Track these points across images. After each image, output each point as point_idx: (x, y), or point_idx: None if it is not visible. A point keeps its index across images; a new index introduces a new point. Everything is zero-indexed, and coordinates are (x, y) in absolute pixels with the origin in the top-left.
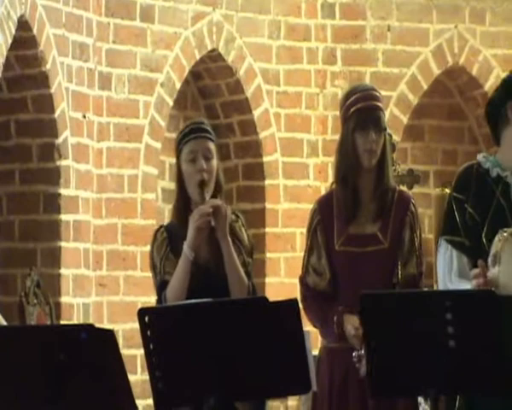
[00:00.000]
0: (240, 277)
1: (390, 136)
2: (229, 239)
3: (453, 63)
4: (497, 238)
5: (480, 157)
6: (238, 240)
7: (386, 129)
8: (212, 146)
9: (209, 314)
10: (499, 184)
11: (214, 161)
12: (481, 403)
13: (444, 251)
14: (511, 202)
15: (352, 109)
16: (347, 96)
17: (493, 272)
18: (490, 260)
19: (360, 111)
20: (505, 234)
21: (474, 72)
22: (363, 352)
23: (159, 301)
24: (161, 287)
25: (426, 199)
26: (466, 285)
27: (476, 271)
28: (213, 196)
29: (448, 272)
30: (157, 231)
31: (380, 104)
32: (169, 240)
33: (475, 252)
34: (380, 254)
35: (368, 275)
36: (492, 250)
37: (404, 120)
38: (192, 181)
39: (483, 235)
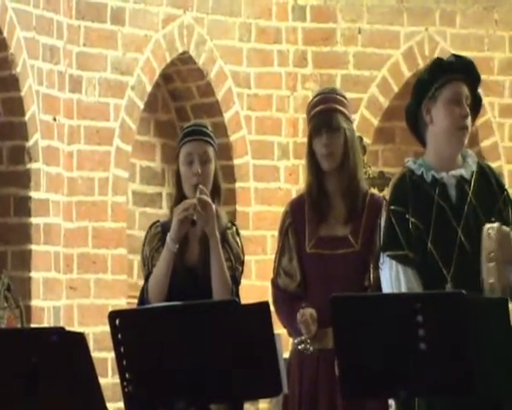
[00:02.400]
0: (224, 277)
1: (361, 138)
2: (218, 237)
3: (424, 65)
4: (485, 236)
5: (409, 163)
6: (229, 246)
7: (342, 130)
8: (209, 149)
9: (180, 317)
10: (436, 187)
11: (211, 165)
12: (442, 404)
13: (388, 270)
14: (451, 202)
15: (310, 114)
16: (311, 100)
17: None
18: (484, 259)
19: (315, 115)
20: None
21: None
22: (304, 337)
23: (141, 293)
24: (147, 278)
25: None
26: None
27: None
28: (211, 199)
29: (397, 288)
30: (152, 224)
31: (336, 106)
32: (162, 235)
33: (420, 263)
34: (351, 257)
35: (338, 278)
36: (485, 253)
37: (375, 122)
38: (188, 183)
39: (429, 242)
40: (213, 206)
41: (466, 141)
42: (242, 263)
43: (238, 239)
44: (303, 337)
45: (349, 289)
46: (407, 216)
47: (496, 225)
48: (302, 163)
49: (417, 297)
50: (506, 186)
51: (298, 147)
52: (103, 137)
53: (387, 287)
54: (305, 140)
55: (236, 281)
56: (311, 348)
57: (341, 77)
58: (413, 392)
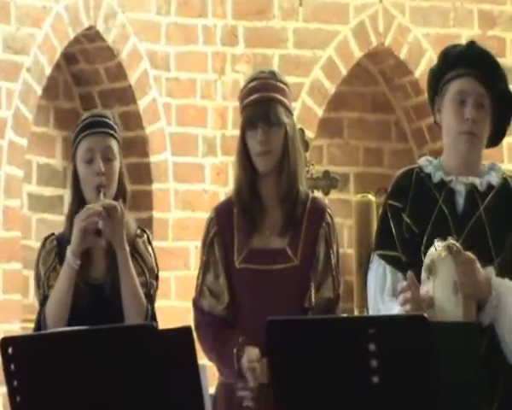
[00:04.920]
0: (137, 296)
1: (302, 131)
2: (128, 249)
3: (378, 44)
4: (432, 248)
5: (421, 160)
6: (141, 258)
7: (282, 124)
8: (113, 144)
9: (85, 344)
10: (442, 191)
11: (116, 163)
12: None
13: (376, 267)
14: (456, 212)
15: (243, 103)
16: (244, 86)
17: (426, 287)
18: (423, 273)
19: (250, 105)
20: (442, 243)
21: (403, 55)
22: (253, 386)
23: (37, 319)
24: (43, 303)
25: (345, 207)
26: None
27: (404, 284)
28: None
29: (380, 291)
30: (46, 238)
31: (276, 95)
32: (59, 249)
33: (413, 269)
34: (289, 273)
35: (275, 298)
36: (427, 261)
37: (319, 112)
38: (89, 185)
39: (421, 250)
40: (122, 211)
41: (477, 148)
42: (157, 277)
43: (150, 249)
44: (250, 385)
45: (287, 311)
46: (402, 214)
47: (453, 244)
48: (232, 160)
49: (370, 321)
50: None
51: (227, 141)
52: None
53: (370, 292)
54: (237, 133)
55: (152, 299)
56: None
57: (279, 58)
58: None
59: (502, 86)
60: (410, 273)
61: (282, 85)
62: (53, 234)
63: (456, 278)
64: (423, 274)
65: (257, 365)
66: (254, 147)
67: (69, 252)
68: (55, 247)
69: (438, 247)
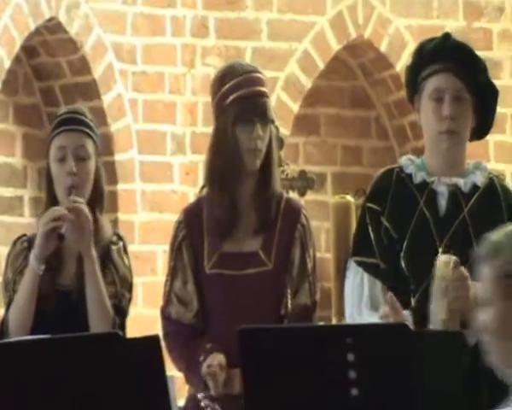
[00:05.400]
0: (102, 306)
1: (277, 129)
2: (95, 256)
3: (357, 36)
4: (441, 264)
5: (403, 160)
6: (114, 267)
7: (273, 121)
8: (88, 143)
9: (49, 353)
10: (424, 192)
11: (91, 162)
12: None
13: (353, 276)
14: (438, 214)
15: (231, 97)
16: (223, 78)
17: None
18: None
19: (242, 99)
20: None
21: (383, 48)
22: (212, 393)
23: (1, 324)
24: (7, 308)
25: (322, 209)
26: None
27: (386, 310)
28: (90, 205)
29: (357, 302)
30: (17, 239)
31: (265, 90)
32: (28, 252)
33: (392, 277)
34: (262, 278)
35: (248, 305)
36: (438, 282)
37: (295, 108)
38: (60, 185)
39: (401, 256)
40: (89, 215)
41: (459, 146)
42: (130, 288)
43: (126, 258)
44: (211, 393)
45: (260, 319)
46: (381, 218)
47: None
48: (202, 159)
49: (349, 330)
50: None
51: (197, 139)
52: None
53: (347, 301)
54: (207, 130)
55: (122, 311)
56: None
57: (252, 50)
58: None
59: (481, 78)
60: (390, 296)
61: (266, 80)
62: (25, 235)
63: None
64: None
65: (217, 370)
66: (248, 143)
67: (32, 257)
68: (26, 249)
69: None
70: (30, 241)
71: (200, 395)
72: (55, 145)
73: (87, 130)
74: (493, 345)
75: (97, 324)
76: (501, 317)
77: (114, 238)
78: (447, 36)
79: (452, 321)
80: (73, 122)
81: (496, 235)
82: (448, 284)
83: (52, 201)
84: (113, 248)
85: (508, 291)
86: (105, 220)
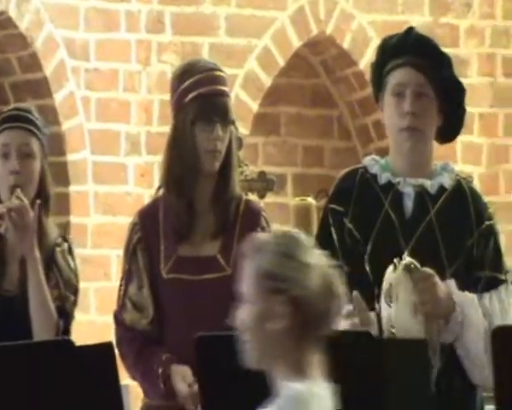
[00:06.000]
0: (45, 309)
1: (236, 128)
2: (38, 257)
3: (318, 33)
4: (390, 269)
5: (367, 160)
6: (57, 269)
7: (234, 122)
8: (32, 141)
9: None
10: (389, 193)
11: (36, 161)
12: None
13: None
14: (403, 216)
15: (190, 95)
16: (183, 75)
17: (387, 313)
18: (383, 297)
19: (202, 98)
20: (401, 263)
21: (346, 44)
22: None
23: None
24: None
25: (282, 211)
26: (343, 323)
27: (350, 308)
28: (33, 205)
29: None
30: None
31: (227, 89)
32: None
33: (356, 280)
34: (221, 284)
35: (205, 311)
36: (385, 286)
37: (254, 106)
38: (3, 183)
39: (366, 258)
40: (32, 214)
41: (423, 144)
42: (76, 291)
43: (70, 259)
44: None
45: (220, 325)
46: (344, 220)
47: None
48: (158, 160)
49: None
50: (491, 221)
51: (152, 139)
52: None
53: None
54: (163, 130)
55: (67, 314)
56: None
57: (210, 46)
58: None
59: (445, 72)
60: (355, 295)
61: (227, 78)
62: None
63: (415, 298)
64: (382, 299)
65: (196, 387)
66: (206, 143)
67: None
68: None
69: (395, 268)
70: None
71: None
72: None
73: (32, 127)
74: (249, 344)
75: (40, 328)
76: (257, 316)
77: (59, 240)
78: (410, 30)
79: (429, 329)
80: (18, 119)
81: (266, 235)
82: (400, 292)
83: None
84: (58, 249)
85: (265, 291)
86: (50, 223)
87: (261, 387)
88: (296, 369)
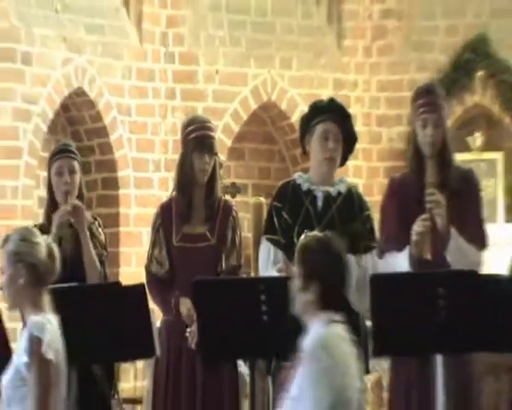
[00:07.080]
0: (93, 262)
1: (218, 157)
2: (87, 233)
3: (267, 100)
4: (302, 237)
5: (295, 175)
6: (95, 237)
7: (217, 153)
8: (75, 164)
9: (73, 296)
10: (308, 196)
11: (77, 176)
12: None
13: (264, 247)
14: (316, 209)
15: (191, 136)
16: (188, 124)
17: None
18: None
19: (198, 138)
20: (307, 234)
21: (283, 106)
22: (193, 328)
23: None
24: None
25: (245, 206)
26: (276, 274)
27: (280, 266)
28: None
29: (266, 263)
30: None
31: (213, 133)
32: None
33: (288, 247)
34: (208, 249)
35: (199, 266)
36: (298, 245)
37: (229, 143)
38: (59, 190)
39: (294, 235)
40: (84, 209)
41: (334, 168)
42: (106, 248)
43: (100, 230)
44: (192, 329)
45: (207, 274)
46: (282, 212)
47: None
48: (171, 175)
49: (261, 280)
50: (368, 212)
51: (168, 162)
52: (14, 153)
53: (260, 263)
54: (174, 157)
55: (103, 264)
56: (194, 345)
57: (203, 108)
58: (258, 355)
59: (348, 127)
60: (283, 257)
61: (214, 127)
62: (35, 226)
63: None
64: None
65: (192, 313)
66: (200, 165)
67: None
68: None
69: (304, 237)
70: (39, 229)
71: (188, 330)
72: (56, 165)
73: (74, 156)
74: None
75: (91, 273)
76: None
77: (92, 220)
78: (332, 99)
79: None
80: (65, 151)
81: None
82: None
83: (52, 200)
84: (93, 226)
85: (12, 262)
86: (86, 212)
87: (235, 309)
88: (36, 306)
